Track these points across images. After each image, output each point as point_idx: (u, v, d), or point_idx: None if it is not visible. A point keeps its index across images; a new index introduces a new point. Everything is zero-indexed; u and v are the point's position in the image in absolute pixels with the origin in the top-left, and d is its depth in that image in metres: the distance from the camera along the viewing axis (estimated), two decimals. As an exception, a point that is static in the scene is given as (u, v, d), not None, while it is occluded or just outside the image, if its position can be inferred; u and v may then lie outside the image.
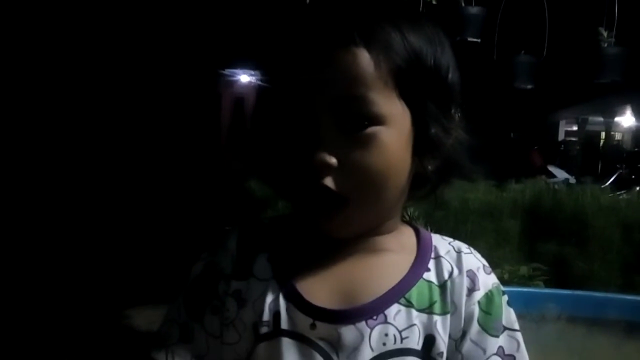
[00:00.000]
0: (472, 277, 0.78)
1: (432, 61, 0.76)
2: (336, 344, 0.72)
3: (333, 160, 0.71)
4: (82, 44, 4.88)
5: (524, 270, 3.65)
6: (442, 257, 0.80)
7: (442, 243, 0.82)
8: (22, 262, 4.31)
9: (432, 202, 0.83)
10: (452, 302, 0.77)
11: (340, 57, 0.71)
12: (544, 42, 4.40)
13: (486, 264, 0.81)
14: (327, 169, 0.71)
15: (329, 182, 0.72)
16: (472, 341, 0.77)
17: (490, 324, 0.78)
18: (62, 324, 3.78)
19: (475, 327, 0.77)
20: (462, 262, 0.80)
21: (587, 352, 2.48)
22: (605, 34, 4.11)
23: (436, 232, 0.85)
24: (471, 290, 0.78)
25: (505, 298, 0.80)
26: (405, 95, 0.74)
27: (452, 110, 0.79)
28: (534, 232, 4.21)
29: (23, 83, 4.89)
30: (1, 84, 4.78)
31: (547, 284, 3.54)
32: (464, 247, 0.82)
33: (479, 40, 4.30)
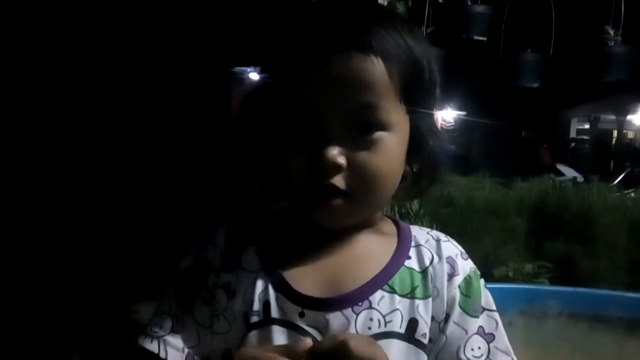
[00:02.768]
0: (452, 263, 0.83)
1: (429, 71, 0.81)
2: (324, 330, 0.76)
3: (343, 161, 0.74)
4: (92, 42, 4.93)
5: (529, 267, 3.66)
6: (422, 245, 0.84)
7: (420, 233, 0.87)
8: (27, 258, 4.36)
9: (425, 198, 0.87)
10: (435, 287, 0.81)
11: (358, 64, 0.74)
12: (550, 40, 4.39)
13: (463, 250, 0.86)
14: (336, 169, 0.74)
15: (337, 181, 0.75)
16: (455, 323, 0.81)
17: (470, 306, 0.82)
18: (69, 319, 3.83)
19: (457, 310, 0.81)
20: (442, 249, 0.84)
21: (589, 349, 2.49)
22: (611, 32, 4.09)
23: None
24: (451, 275, 0.82)
25: (482, 281, 0.85)
26: (408, 104, 0.79)
27: (438, 114, 0.85)
28: (540, 230, 4.21)
29: (29, 77, 4.95)
30: (5, 83, 4.84)
31: (552, 282, 3.54)
32: (442, 236, 0.87)
33: (485, 39, 4.30)
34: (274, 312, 0.77)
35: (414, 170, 0.84)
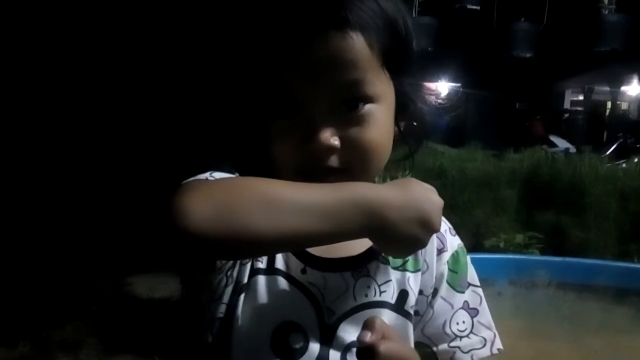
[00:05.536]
0: (441, 238, 0.83)
1: (404, 30, 0.78)
2: (323, 289, 0.76)
3: (337, 143, 0.73)
4: (95, 48, 4.84)
5: (519, 238, 3.68)
6: None
7: None
8: (21, 231, 4.36)
9: (416, 170, 0.86)
10: (425, 261, 0.82)
11: (338, 44, 0.72)
12: (544, 9, 4.34)
13: (451, 226, 0.87)
14: (331, 150, 0.73)
15: (333, 161, 0.74)
16: (442, 298, 0.82)
17: (456, 282, 0.83)
18: (64, 292, 3.84)
19: (444, 285, 0.82)
20: None
21: (576, 317, 2.53)
22: (606, 1, 4.05)
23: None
24: (440, 250, 0.83)
25: (468, 257, 0.86)
26: (391, 70, 0.77)
27: (416, 71, 0.82)
28: (532, 201, 4.22)
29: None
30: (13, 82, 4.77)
31: (543, 252, 3.56)
32: None
33: (478, 8, 4.25)
34: (279, 264, 0.77)
35: (401, 129, 0.82)
